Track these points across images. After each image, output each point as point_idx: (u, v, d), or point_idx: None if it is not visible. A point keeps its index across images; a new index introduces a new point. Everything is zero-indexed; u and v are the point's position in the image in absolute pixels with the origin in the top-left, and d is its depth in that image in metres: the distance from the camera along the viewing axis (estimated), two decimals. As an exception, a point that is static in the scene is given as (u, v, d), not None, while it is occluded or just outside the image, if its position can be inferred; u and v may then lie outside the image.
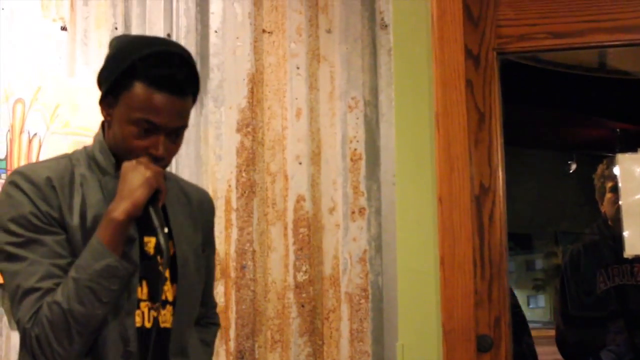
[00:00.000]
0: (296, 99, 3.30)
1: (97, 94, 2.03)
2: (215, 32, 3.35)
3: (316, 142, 3.29)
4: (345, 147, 3.27)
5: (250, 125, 3.30)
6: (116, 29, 3.28)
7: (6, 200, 1.93)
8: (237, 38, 3.34)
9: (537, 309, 16.09)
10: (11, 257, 1.89)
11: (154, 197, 1.91)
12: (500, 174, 3.07)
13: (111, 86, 1.96)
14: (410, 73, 3.15)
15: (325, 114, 3.30)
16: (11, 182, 1.95)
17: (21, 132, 3.00)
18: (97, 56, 3.20)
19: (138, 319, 1.94)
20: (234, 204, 3.26)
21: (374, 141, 3.26)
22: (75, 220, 1.91)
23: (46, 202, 1.90)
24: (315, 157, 3.28)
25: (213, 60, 3.34)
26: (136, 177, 1.89)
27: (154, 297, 1.96)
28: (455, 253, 2.99)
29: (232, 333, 3.21)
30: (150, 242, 1.98)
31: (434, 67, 3.08)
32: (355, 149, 3.26)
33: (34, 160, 2.99)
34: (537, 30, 3.09)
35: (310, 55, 3.33)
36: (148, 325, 1.96)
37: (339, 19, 3.33)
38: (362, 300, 3.19)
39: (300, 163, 3.28)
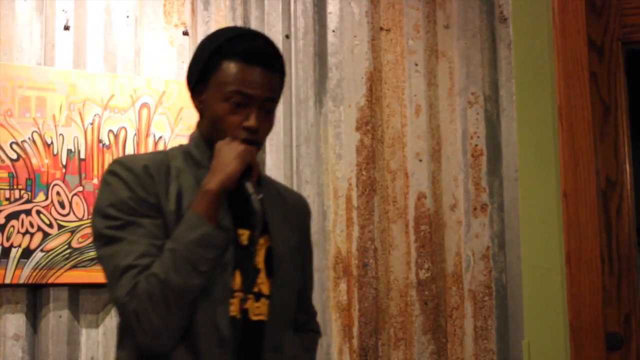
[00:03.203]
0: (415, 95, 3.29)
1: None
2: (333, 31, 3.36)
3: (436, 138, 3.27)
4: (465, 143, 3.24)
5: (370, 123, 3.31)
6: (236, 32, 3.33)
7: (105, 188, 1.97)
8: (355, 37, 3.35)
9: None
10: (110, 241, 1.91)
11: (246, 173, 1.93)
12: (628, 167, 2.99)
13: (200, 74, 2.01)
14: (531, 66, 3.10)
15: (444, 110, 3.28)
16: (110, 171, 1.98)
17: (147, 136, 3.08)
18: (218, 59, 3.26)
19: (232, 308, 1.93)
20: (355, 202, 3.27)
21: (495, 136, 3.22)
22: (171, 205, 1.93)
23: (144, 189, 1.93)
24: (436, 154, 3.27)
25: (331, 60, 3.35)
26: (229, 152, 1.92)
27: (247, 288, 1.96)
28: (581, 249, 2.93)
29: (355, 331, 3.22)
30: (244, 234, 1.98)
31: (556, 60, 3.02)
32: (476, 145, 3.23)
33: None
34: (664, 18, 3.00)
35: (428, 51, 3.32)
36: (238, 316, 1.94)
37: (457, 14, 3.30)
38: (486, 298, 3.16)
39: (420, 160, 3.26)
